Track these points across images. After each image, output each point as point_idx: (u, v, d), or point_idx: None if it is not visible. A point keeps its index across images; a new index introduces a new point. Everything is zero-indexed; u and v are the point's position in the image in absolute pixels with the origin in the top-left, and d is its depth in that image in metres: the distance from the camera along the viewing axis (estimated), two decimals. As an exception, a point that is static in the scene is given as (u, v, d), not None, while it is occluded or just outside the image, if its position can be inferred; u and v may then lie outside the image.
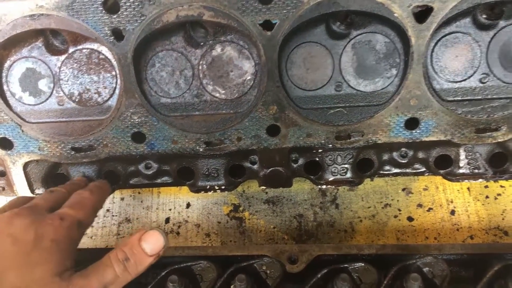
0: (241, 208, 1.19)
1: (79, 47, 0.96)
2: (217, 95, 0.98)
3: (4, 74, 0.98)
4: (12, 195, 1.08)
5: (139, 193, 1.22)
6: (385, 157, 1.04)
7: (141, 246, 0.77)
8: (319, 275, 0.85)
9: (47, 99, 0.99)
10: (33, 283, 0.71)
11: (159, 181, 1.10)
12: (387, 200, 1.16)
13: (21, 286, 0.70)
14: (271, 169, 1.04)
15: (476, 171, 1.03)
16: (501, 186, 1.16)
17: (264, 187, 1.13)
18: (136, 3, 0.87)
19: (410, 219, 1.14)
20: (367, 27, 0.93)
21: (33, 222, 0.76)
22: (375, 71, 0.95)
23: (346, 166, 1.03)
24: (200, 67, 0.97)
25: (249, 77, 0.97)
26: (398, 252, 0.91)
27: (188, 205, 1.20)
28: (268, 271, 0.89)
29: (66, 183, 0.96)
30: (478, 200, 1.15)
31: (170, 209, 1.20)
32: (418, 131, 0.96)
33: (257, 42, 0.89)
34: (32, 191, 1.05)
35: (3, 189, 1.09)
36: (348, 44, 0.94)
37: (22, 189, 1.05)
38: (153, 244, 0.78)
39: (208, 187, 1.06)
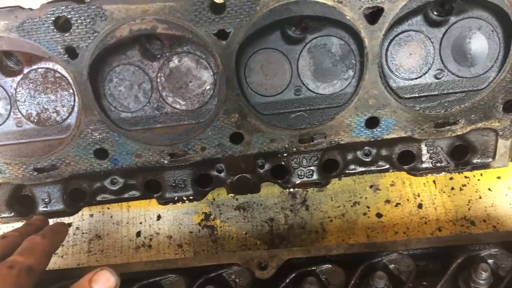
0: (212, 217, 1.19)
1: (34, 66, 0.94)
2: (178, 106, 0.98)
3: (-42, 99, 0.96)
4: (-24, 220, 1.06)
5: (108, 208, 1.21)
6: (350, 156, 1.06)
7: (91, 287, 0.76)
8: (287, 280, 0.86)
9: (4, 121, 0.97)
10: None
11: (126, 195, 1.09)
12: (355, 198, 1.18)
13: None
14: (238, 176, 1.05)
15: (439, 164, 1.05)
16: (466, 177, 1.19)
17: (232, 194, 1.13)
18: (88, 20, 0.86)
19: (379, 215, 1.16)
20: (321, 31, 0.94)
21: None
22: (333, 74, 0.96)
23: (311, 168, 1.04)
24: (158, 80, 0.96)
25: (208, 87, 0.97)
26: (366, 251, 0.92)
27: (158, 217, 1.20)
28: (237, 280, 0.89)
29: (21, 225, 0.93)
30: (444, 192, 1.18)
31: (141, 223, 1.19)
32: (378, 130, 0.98)
33: (213, 51, 0.89)
34: (-3, 214, 1.03)
35: (-33, 214, 1.06)
36: (304, 48, 0.95)
37: (-14, 213, 1.03)
38: (103, 284, 0.76)
39: (176, 198, 1.06)
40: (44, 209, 1.04)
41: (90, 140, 0.95)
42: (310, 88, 0.96)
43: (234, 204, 1.20)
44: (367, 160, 1.05)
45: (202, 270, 0.91)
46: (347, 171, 1.08)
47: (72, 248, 1.17)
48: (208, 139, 0.97)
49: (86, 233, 1.19)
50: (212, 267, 0.92)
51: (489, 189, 1.17)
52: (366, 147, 1.05)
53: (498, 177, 1.19)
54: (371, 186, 1.19)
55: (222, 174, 1.06)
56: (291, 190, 1.10)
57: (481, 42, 0.95)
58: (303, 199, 1.19)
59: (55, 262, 1.15)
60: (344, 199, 1.18)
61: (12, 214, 1.05)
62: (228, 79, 0.92)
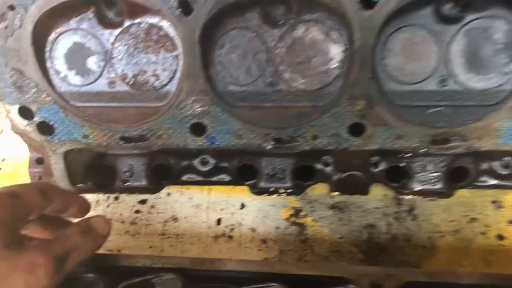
0: (302, 213, 1.05)
1: (137, 20, 0.81)
2: (295, 84, 0.83)
3: (47, 49, 0.85)
4: (50, 186, 0.96)
5: (187, 188, 1.08)
6: (484, 166, 0.89)
7: (92, 224, 0.74)
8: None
9: (96, 79, 0.85)
10: None
11: (215, 179, 0.96)
12: (473, 214, 1.01)
13: None
14: (348, 173, 0.90)
15: None
16: None
17: (334, 193, 0.98)
18: (214, -30, 0.72)
19: (500, 237, 0.99)
20: (485, 11, 0.76)
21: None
22: (490, 65, 0.79)
23: (437, 174, 0.87)
24: (277, 51, 0.82)
25: (335, 65, 0.82)
26: (503, 284, 0.76)
27: (242, 206, 1.06)
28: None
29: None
30: None
31: (222, 209, 1.06)
32: (531, 139, 0.80)
33: (351, 22, 0.74)
34: (73, 183, 0.92)
35: (40, 178, 0.96)
36: (460, 30, 0.78)
37: (61, 180, 0.92)
38: (101, 226, 0.75)
39: (272, 189, 0.92)
40: (124, 183, 0.92)
41: (189, 112, 0.82)
42: (459, 79, 0.80)
43: (329, 202, 1.05)
44: (504, 173, 0.88)
45: (301, 279, 0.78)
46: (476, 183, 0.91)
47: (145, 227, 1.06)
48: (322, 127, 0.83)
49: (161, 212, 1.07)
50: (312, 278, 0.78)
51: None
52: (506, 158, 0.87)
53: None
54: (493, 202, 1.01)
55: (329, 169, 0.91)
56: (407, 197, 0.94)
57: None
58: (410, 206, 1.03)
59: (125, 241, 1.04)
60: (460, 214, 1.01)
61: (89, 184, 0.94)
62: (363, 58, 0.77)
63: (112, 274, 0.79)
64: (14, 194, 0.67)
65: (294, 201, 1.06)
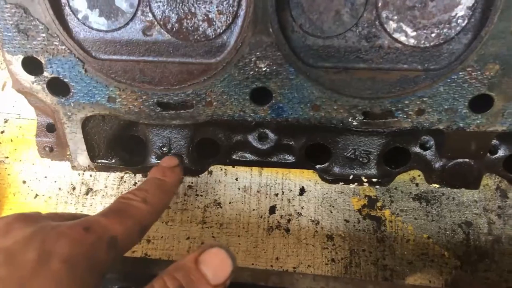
0: (379, 204, 0.83)
1: None
2: (403, 38, 0.60)
3: (62, -22, 0.62)
4: (64, 160, 0.76)
5: (233, 167, 0.87)
6: None
7: (200, 270, 0.52)
8: None
9: (127, 23, 0.62)
10: None
11: (275, 159, 0.74)
12: None
13: None
14: (457, 161, 0.68)
15: None
16: None
17: (434, 184, 0.76)
18: None
19: None
20: None
21: (36, 232, 0.51)
22: None
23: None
24: (374, -9, 0.58)
25: (462, 13, 0.58)
26: None
27: (302, 191, 0.85)
28: None
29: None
30: None
31: (276, 194, 0.86)
32: None
33: None
34: (92, 158, 0.72)
35: (51, 149, 0.76)
36: None
37: (78, 154, 0.72)
38: (216, 267, 0.52)
39: (351, 177, 0.71)
40: (158, 161, 0.72)
41: (252, 73, 0.61)
42: None
43: (413, 191, 0.83)
44: None
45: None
46: None
47: (181, 213, 0.86)
48: (434, 99, 0.61)
49: (201, 195, 0.87)
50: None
51: None
52: None
53: None
54: None
55: (429, 153, 0.69)
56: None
57: None
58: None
59: (157, 230, 0.85)
60: None
61: (113, 161, 0.74)
62: (505, 3, 0.53)
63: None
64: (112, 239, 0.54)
65: (368, 188, 0.84)
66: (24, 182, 0.89)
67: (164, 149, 0.71)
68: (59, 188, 0.88)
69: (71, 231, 0.52)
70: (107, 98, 0.66)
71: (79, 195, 0.88)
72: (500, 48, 0.57)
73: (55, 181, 0.88)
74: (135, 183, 0.88)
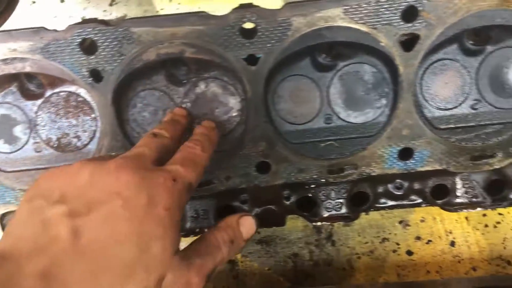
0: (232, 250, 1.13)
1: (56, 90, 0.92)
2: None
3: (-23, 122, 0.94)
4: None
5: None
6: (380, 189, 1.00)
7: (240, 229, 0.73)
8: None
9: (23, 146, 0.94)
10: (151, 262, 0.57)
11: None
12: (384, 234, 1.12)
13: (136, 265, 0.55)
14: (263, 208, 1.00)
15: (474, 199, 0.99)
16: (500, 214, 1.13)
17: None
18: (115, 43, 0.83)
19: (409, 253, 1.10)
20: (353, 58, 0.91)
21: (143, 179, 0.60)
22: (365, 102, 0.92)
23: (340, 201, 0.98)
24: (183, 106, 0.93)
25: (235, 114, 0.93)
26: None
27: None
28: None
29: (163, 122, 0.82)
30: (478, 229, 1.11)
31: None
32: (412, 162, 0.93)
33: (241, 77, 0.86)
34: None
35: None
36: (335, 75, 0.91)
37: (-2, 242, 0.98)
38: (248, 229, 0.75)
39: (197, 230, 1.01)
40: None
41: (111, 167, 0.92)
42: (341, 116, 0.93)
43: (256, 237, 1.14)
44: (398, 193, 1.00)
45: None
46: (377, 205, 1.02)
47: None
48: (233, 168, 0.93)
49: None
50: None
51: (526, 227, 1.11)
52: (398, 180, 0.99)
53: (535, 214, 1.13)
54: (400, 222, 1.13)
55: (246, 205, 1.01)
56: (318, 224, 1.04)
57: (519, 72, 0.91)
58: (328, 233, 1.13)
59: None
60: (372, 235, 1.12)
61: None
62: (256, 106, 0.89)
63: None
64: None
65: (224, 240, 1.14)
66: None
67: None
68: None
69: (165, 181, 0.61)
70: (15, 198, 0.93)
71: None
72: (262, 132, 0.90)
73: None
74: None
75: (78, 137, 0.93)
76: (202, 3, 1.46)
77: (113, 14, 1.53)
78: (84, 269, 0.53)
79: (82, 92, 0.91)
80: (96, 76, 0.85)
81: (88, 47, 0.84)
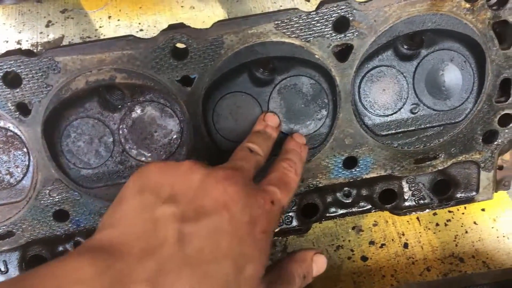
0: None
1: (-17, 125, 0.87)
2: (143, 159, 0.91)
3: None
4: None
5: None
6: (329, 199, 1.00)
7: (312, 266, 0.70)
8: None
9: None
10: (243, 283, 0.54)
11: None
12: (338, 242, 1.12)
13: (231, 284, 0.53)
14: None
15: (422, 201, 1.00)
16: (449, 212, 1.15)
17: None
18: (40, 74, 0.79)
19: (364, 258, 1.10)
20: (290, 71, 0.90)
21: (248, 197, 0.58)
22: (305, 114, 0.92)
23: (290, 214, 0.97)
24: (120, 132, 0.90)
25: (175, 136, 0.91)
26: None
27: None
28: None
29: (257, 133, 0.80)
30: (429, 229, 1.13)
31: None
32: (357, 170, 0.93)
33: (178, 99, 0.84)
34: None
35: None
36: (274, 89, 0.90)
37: None
38: (319, 268, 0.71)
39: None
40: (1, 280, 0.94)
41: (48, 201, 0.88)
42: (283, 130, 0.91)
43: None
44: (347, 201, 1.00)
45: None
46: (327, 215, 1.01)
47: None
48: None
49: None
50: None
51: (475, 223, 1.13)
52: (346, 188, 0.99)
53: (483, 209, 1.15)
54: (353, 228, 1.13)
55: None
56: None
57: (454, 74, 0.92)
58: (283, 246, 1.12)
59: None
60: (327, 244, 1.12)
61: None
62: (196, 126, 0.87)
63: None
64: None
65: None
66: None
67: (2, 269, 0.94)
68: None
69: (266, 204, 0.60)
70: None
71: None
72: (203, 153, 0.89)
73: None
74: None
75: (10, 173, 0.88)
76: (141, 18, 1.44)
77: (50, 35, 1.48)
78: (186, 281, 0.50)
79: (11, 126, 0.87)
80: (23, 109, 0.81)
81: (12, 80, 0.80)
